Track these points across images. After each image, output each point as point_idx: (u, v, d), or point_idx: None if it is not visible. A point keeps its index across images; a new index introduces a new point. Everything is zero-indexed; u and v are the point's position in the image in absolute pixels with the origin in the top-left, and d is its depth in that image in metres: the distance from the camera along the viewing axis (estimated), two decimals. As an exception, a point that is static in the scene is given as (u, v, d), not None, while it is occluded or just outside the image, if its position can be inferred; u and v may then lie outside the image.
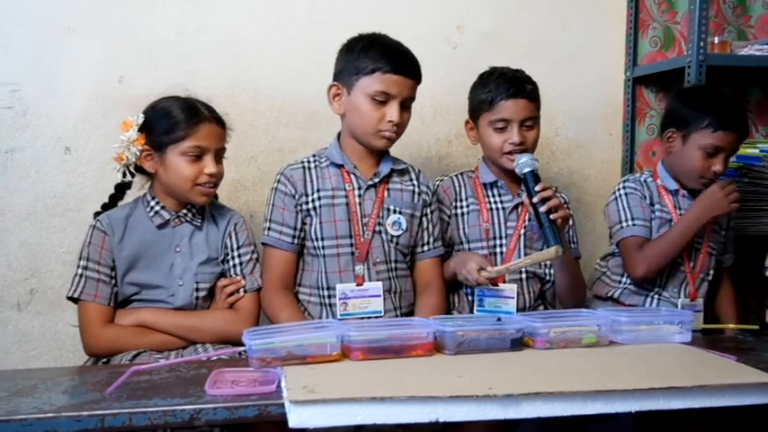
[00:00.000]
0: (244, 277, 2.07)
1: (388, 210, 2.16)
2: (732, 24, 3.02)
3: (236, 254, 2.09)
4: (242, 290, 2.06)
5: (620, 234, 2.34)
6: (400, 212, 2.17)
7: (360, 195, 2.14)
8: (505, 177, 2.30)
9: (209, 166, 1.98)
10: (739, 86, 3.04)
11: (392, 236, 2.16)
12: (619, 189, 2.40)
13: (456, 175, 2.39)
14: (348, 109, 2.12)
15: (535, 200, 2.05)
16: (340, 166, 2.16)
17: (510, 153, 2.20)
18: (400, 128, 2.11)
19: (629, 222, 2.33)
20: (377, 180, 2.16)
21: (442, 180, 2.38)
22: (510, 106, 2.19)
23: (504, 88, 2.20)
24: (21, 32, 2.48)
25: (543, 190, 2.07)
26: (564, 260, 2.18)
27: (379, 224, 2.15)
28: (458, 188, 2.35)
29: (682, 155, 2.31)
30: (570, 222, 2.29)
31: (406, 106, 2.11)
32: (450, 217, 2.33)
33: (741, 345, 1.81)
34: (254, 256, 2.12)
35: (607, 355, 1.62)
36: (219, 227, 2.10)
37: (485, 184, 2.33)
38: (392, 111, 2.07)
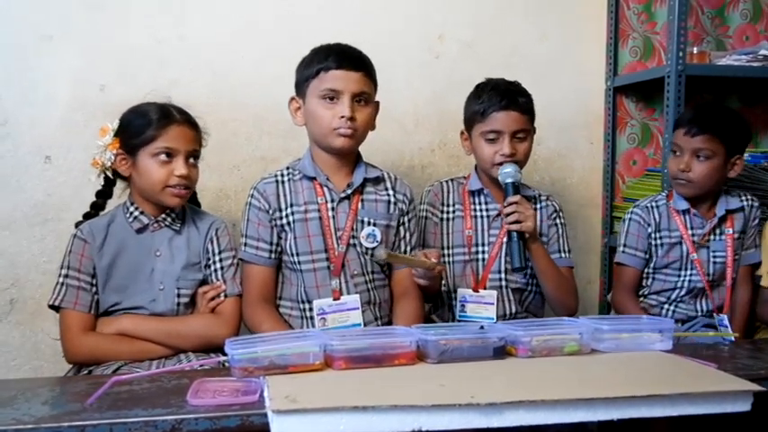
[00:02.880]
0: (225, 282, 2.06)
1: (362, 222, 2.16)
2: (710, 35, 3.06)
3: (217, 258, 2.08)
4: (222, 294, 2.05)
5: (615, 257, 2.52)
6: (374, 224, 2.16)
7: (333, 208, 2.14)
8: (492, 186, 2.32)
9: (179, 167, 1.97)
10: (718, 96, 3.08)
11: (366, 248, 2.15)
12: (627, 213, 2.51)
13: (446, 181, 2.42)
14: (306, 118, 2.14)
15: (505, 211, 2.14)
16: (312, 179, 2.15)
17: (501, 164, 2.22)
18: (357, 123, 2.08)
19: (622, 248, 2.48)
20: (350, 192, 2.15)
21: (432, 185, 2.41)
22: (501, 118, 2.21)
23: (496, 100, 2.21)
24: (-1, 41, 2.47)
25: (510, 204, 2.13)
26: (540, 269, 2.22)
27: (353, 237, 2.14)
28: (445, 193, 2.38)
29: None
30: (560, 232, 2.36)
31: (360, 102, 2.09)
32: (440, 220, 2.35)
33: (721, 352, 1.82)
34: (236, 261, 2.12)
35: (589, 363, 1.62)
36: (201, 231, 2.09)
37: (471, 192, 2.35)
38: (343, 106, 2.05)
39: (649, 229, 2.43)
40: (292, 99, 2.17)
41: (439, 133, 2.83)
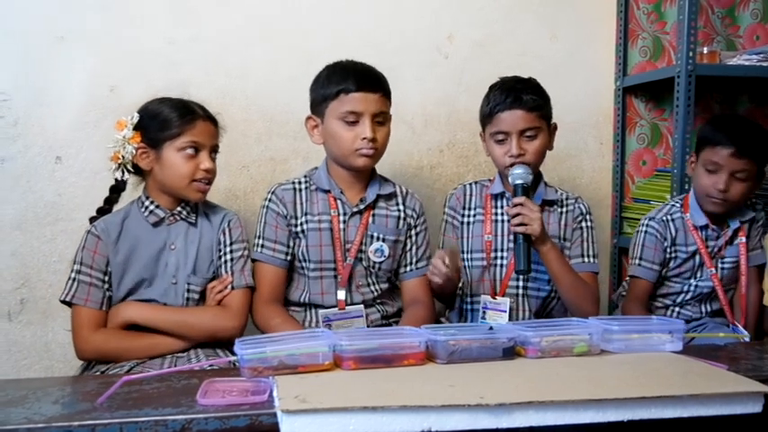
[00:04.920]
0: (233, 273, 2.07)
1: (372, 237, 2.18)
2: (721, 35, 3.05)
3: (227, 249, 2.09)
4: (230, 286, 2.06)
5: (629, 270, 2.46)
6: (383, 240, 2.19)
7: (344, 222, 2.16)
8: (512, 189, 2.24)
9: (204, 161, 2.00)
10: (728, 96, 3.07)
11: (374, 262, 2.17)
12: (642, 225, 2.45)
13: (470, 184, 2.38)
14: (325, 137, 2.15)
15: (510, 212, 2.11)
16: (327, 192, 2.17)
17: (513, 166, 2.18)
18: (378, 144, 2.11)
19: (638, 261, 2.42)
20: (362, 207, 2.17)
21: (456, 189, 2.38)
22: (506, 118, 2.17)
23: (500, 99, 2.18)
24: (10, 42, 2.49)
25: (515, 206, 2.09)
26: (553, 273, 2.16)
27: (362, 251, 2.16)
28: (468, 197, 2.35)
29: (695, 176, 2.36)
30: (584, 236, 2.29)
31: (379, 122, 2.12)
32: (461, 224, 2.33)
33: (732, 354, 1.81)
34: (246, 253, 2.12)
35: (599, 364, 1.62)
36: (213, 224, 2.11)
37: (494, 195, 2.31)
38: (364, 128, 2.07)
39: (666, 243, 2.39)
40: (309, 118, 2.19)
41: (448, 133, 2.83)
